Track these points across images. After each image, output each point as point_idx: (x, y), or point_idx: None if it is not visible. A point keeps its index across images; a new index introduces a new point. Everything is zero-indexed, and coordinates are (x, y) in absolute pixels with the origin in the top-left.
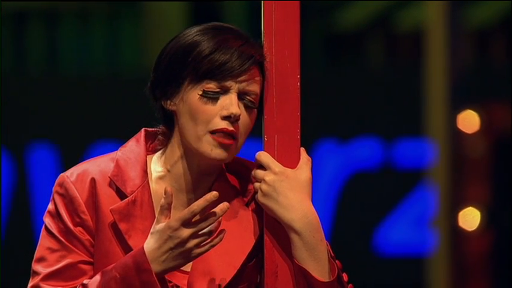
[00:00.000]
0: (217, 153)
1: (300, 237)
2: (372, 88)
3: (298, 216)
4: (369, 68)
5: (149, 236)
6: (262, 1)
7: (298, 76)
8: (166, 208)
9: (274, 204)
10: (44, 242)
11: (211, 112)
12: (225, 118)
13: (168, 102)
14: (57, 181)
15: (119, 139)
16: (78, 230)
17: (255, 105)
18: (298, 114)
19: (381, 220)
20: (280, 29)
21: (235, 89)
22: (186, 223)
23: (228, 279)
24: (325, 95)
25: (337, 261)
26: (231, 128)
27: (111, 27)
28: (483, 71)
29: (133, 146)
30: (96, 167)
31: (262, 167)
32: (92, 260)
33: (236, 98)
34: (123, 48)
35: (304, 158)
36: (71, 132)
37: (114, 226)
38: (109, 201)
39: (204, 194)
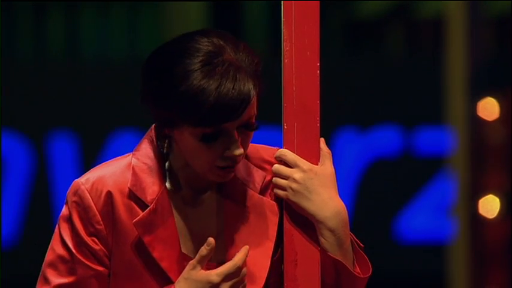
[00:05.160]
0: (221, 179)
1: (332, 234)
2: (392, 76)
3: (333, 214)
4: (389, 56)
5: (182, 279)
6: None
7: (318, 64)
8: (206, 257)
9: (307, 202)
10: (56, 246)
11: (212, 154)
12: (229, 158)
13: (164, 128)
14: (71, 187)
15: (140, 127)
16: (91, 240)
17: (254, 126)
18: (318, 102)
19: (401, 208)
20: (299, 16)
21: (234, 127)
22: (227, 277)
23: (266, 272)
24: (345, 83)
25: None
26: (236, 162)
27: (132, 15)
28: (503, 59)
29: (148, 149)
30: (112, 175)
31: (282, 162)
32: (105, 270)
33: (236, 135)
34: (143, 36)
35: (325, 151)
36: (91, 120)
37: (137, 238)
38: (129, 213)
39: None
